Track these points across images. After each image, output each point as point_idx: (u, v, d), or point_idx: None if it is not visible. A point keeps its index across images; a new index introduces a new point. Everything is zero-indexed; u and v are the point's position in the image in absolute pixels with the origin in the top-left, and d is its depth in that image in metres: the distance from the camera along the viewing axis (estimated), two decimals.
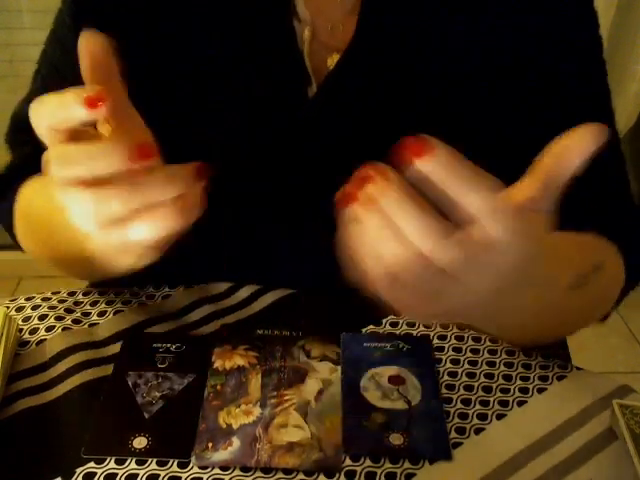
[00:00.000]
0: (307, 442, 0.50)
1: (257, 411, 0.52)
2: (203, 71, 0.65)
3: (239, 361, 0.56)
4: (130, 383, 0.54)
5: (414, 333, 0.60)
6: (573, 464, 0.49)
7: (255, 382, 0.54)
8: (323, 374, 0.55)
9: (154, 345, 0.58)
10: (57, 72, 0.69)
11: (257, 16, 0.64)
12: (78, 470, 0.48)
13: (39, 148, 0.64)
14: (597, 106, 0.69)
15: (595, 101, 0.69)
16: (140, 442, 0.49)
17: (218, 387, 0.54)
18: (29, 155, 0.67)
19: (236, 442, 0.50)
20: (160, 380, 0.55)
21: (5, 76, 1.79)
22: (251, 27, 0.65)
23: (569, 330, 0.63)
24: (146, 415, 0.52)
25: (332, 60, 0.65)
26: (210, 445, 0.49)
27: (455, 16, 0.64)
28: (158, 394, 0.53)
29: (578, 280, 0.52)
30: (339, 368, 0.56)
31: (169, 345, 0.58)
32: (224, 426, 0.51)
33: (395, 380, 0.55)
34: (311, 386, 0.54)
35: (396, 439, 0.50)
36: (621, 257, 0.60)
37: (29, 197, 0.65)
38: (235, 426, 0.51)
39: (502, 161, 0.68)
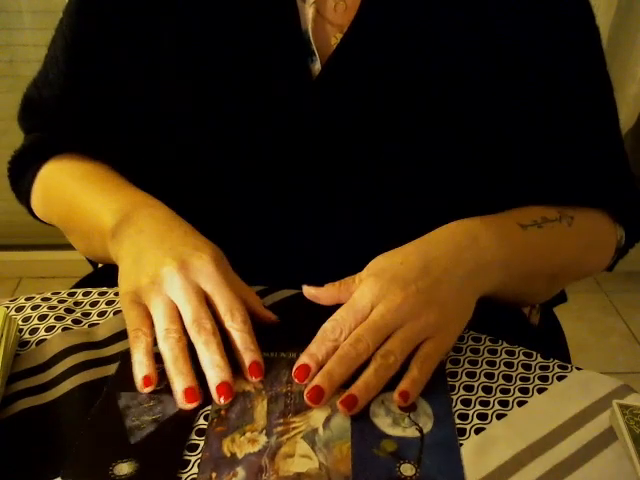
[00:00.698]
0: (315, 473, 0.47)
1: (263, 439, 0.50)
2: (206, 52, 0.65)
3: (244, 385, 0.54)
4: (121, 405, 0.52)
5: None
6: (573, 464, 0.49)
7: (261, 408, 0.52)
8: (331, 399, 0.53)
9: None
10: (56, 62, 0.71)
11: None
12: None
13: (44, 133, 0.75)
14: (597, 105, 0.70)
15: (595, 100, 0.69)
16: (121, 469, 0.47)
17: (222, 412, 0.52)
18: (36, 142, 0.75)
19: (241, 473, 0.47)
20: (152, 403, 0.52)
21: (5, 76, 1.79)
22: (254, 6, 0.65)
23: (570, 270, 0.72)
24: (132, 440, 0.49)
25: (336, 39, 0.65)
26: (214, 475, 0.47)
27: (461, 2, 0.64)
28: (149, 418, 0.51)
29: (523, 222, 0.64)
30: None
31: None
32: (228, 455, 0.48)
33: (406, 406, 0.53)
34: (319, 412, 0.52)
35: (407, 469, 0.48)
36: (611, 218, 0.72)
37: (79, 191, 0.70)
38: (240, 455, 0.48)
39: (502, 159, 0.68)
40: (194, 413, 0.52)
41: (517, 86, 0.66)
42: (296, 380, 0.53)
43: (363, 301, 0.55)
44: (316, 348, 0.53)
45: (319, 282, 0.63)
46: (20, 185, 0.76)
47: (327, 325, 0.54)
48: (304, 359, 0.53)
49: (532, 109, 0.67)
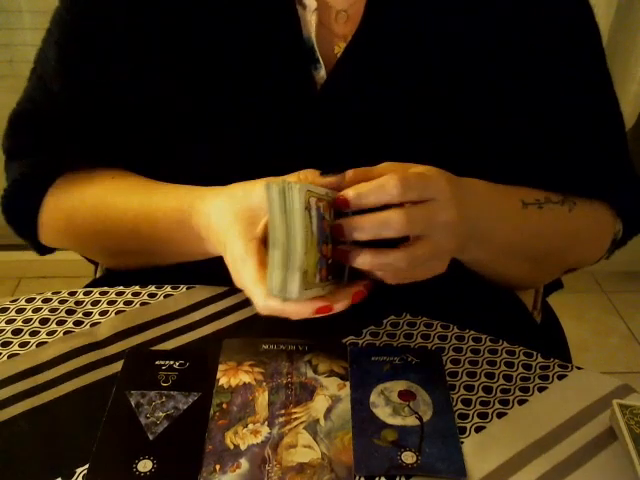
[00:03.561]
0: (318, 463, 0.48)
1: (265, 430, 0.50)
2: (209, 61, 0.65)
3: (245, 378, 0.55)
4: (133, 403, 0.53)
5: (414, 333, 0.60)
6: (573, 464, 0.49)
7: (262, 400, 0.53)
8: (331, 390, 0.54)
9: (157, 362, 0.56)
10: (51, 73, 0.69)
11: (260, 2, 0.64)
12: (78, 470, 0.48)
13: (39, 156, 0.69)
14: (600, 104, 0.70)
15: (597, 99, 0.70)
16: (145, 465, 0.48)
17: (224, 405, 0.52)
18: (38, 164, 0.70)
19: (245, 464, 0.48)
20: (164, 399, 0.53)
21: (5, 76, 1.79)
22: (254, 14, 0.65)
23: (557, 257, 0.72)
24: (150, 437, 0.50)
25: (339, 48, 0.66)
26: (218, 467, 0.48)
27: (460, 9, 0.64)
28: (162, 414, 0.52)
29: (526, 201, 0.64)
30: (347, 384, 0.55)
31: (172, 362, 0.56)
32: (231, 447, 0.49)
33: (405, 395, 0.54)
34: (320, 403, 0.53)
35: (409, 457, 0.49)
36: (611, 211, 0.72)
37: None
38: (243, 447, 0.49)
39: (503, 154, 0.68)
40: (207, 407, 0.52)
41: (520, 86, 0.66)
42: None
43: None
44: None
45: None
46: (20, 218, 0.71)
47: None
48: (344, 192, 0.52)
49: (536, 107, 0.67)
